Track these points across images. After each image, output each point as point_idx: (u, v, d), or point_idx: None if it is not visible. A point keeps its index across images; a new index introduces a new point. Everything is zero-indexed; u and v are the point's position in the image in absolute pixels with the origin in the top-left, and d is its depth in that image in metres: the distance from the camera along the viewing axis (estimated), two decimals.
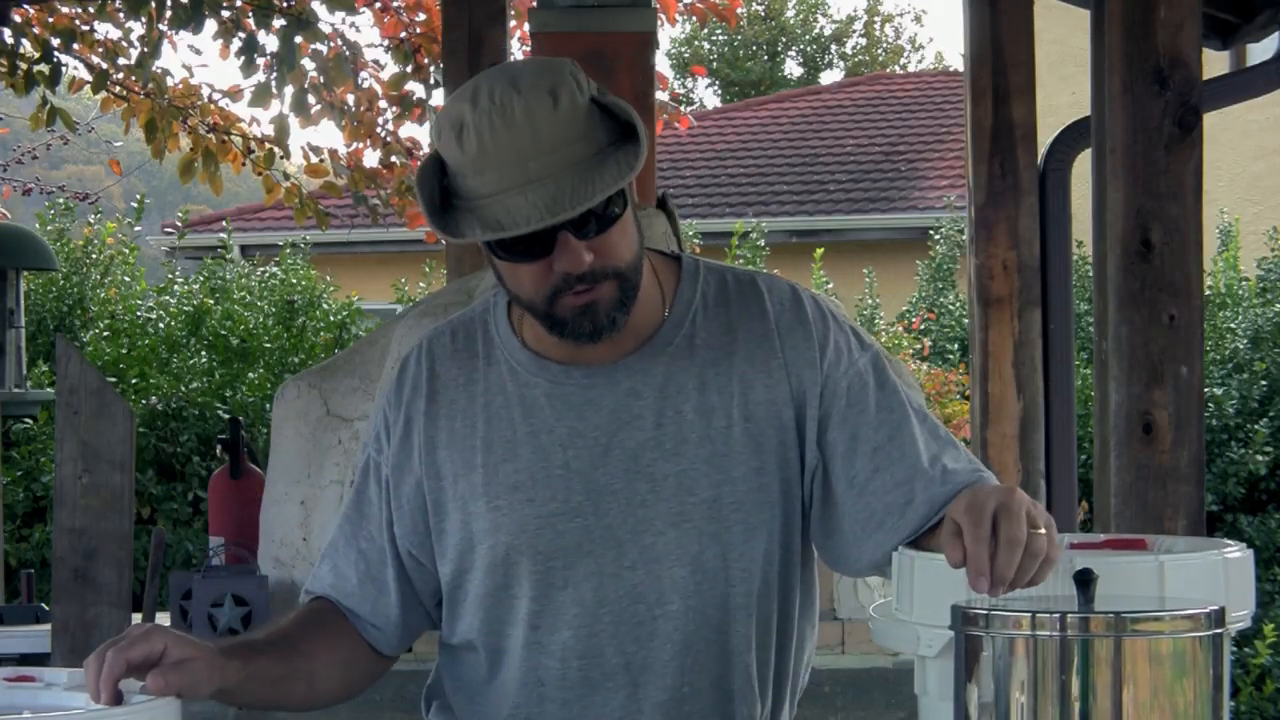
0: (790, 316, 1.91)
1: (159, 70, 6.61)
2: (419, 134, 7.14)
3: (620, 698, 1.87)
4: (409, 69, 6.70)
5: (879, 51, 25.91)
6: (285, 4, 6.27)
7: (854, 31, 26.04)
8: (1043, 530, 1.53)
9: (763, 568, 1.88)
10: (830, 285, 10.08)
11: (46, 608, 4.85)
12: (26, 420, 7.49)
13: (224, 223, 10.32)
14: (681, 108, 9.54)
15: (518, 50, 6.60)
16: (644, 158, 1.74)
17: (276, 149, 6.73)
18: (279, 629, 1.90)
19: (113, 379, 7.50)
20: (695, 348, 1.89)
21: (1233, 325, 8.34)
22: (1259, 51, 7.57)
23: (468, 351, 1.95)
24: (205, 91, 6.94)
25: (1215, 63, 6.53)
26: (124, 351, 7.97)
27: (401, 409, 1.95)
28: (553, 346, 1.89)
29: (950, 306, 10.15)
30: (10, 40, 6.23)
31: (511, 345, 1.93)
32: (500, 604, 1.89)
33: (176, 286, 8.75)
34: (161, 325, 8.23)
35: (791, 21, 25.43)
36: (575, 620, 1.86)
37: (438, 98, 6.54)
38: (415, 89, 6.80)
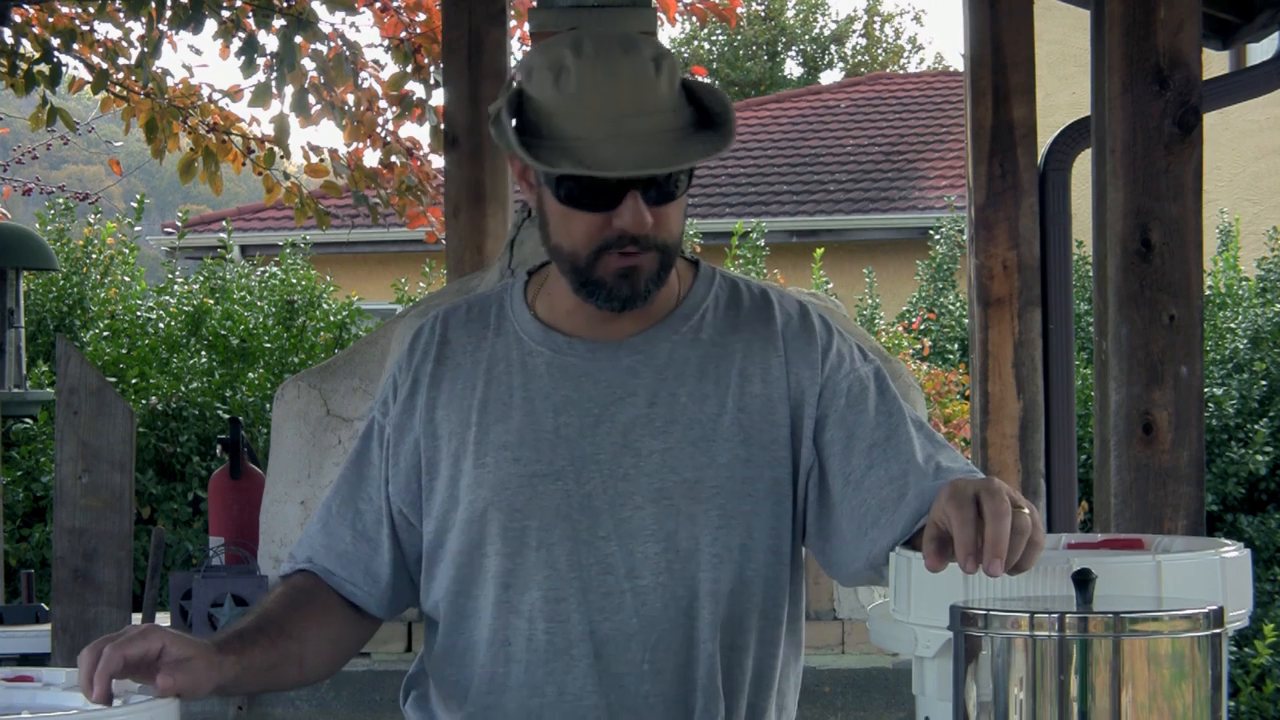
0: (797, 324, 1.96)
1: (159, 70, 6.61)
2: (419, 134, 7.15)
3: (582, 666, 1.88)
4: (409, 69, 6.70)
5: (879, 51, 25.91)
6: (285, 4, 6.27)
7: (854, 31, 26.04)
8: (1026, 510, 1.54)
9: (738, 560, 1.90)
10: (830, 285, 10.07)
11: (46, 608, 4.85)
12: (26, 420, 7.49)
13: (224, 223, 10.31)
14: None
15: (518, 50, 6.60)
16: (731, 142, 1.83)
17: (276, 149, 6.73)
18: (266, 613, 1.92)
19: (113, 379, 7.50)
20: (700, 340, 1.94)
21: (1233, 325, 8.34)
22: (1259, 51, 7.58)
23: (480, 323, 2.00)
24: (205, 91, 6.94)
25: (1215, 63, 6.54)
26: (124, 351, 7.97)
27: (410, 371, 2.00)
28: (563, 319, 1.95)
29: (950, 306, 10.14)
30: (10, 40, 6.23)
31: (523, 317, 1.98)
32: (473, 562, 1.92)
33: (176, 286, 8.75)
34: (161, 325, 8.23)
35: (791, 21, 25.42)
36: (545, 582, 1.89)
37: (438, 98, 6.54)
38: (415, 89, 6.80)
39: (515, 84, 1.86)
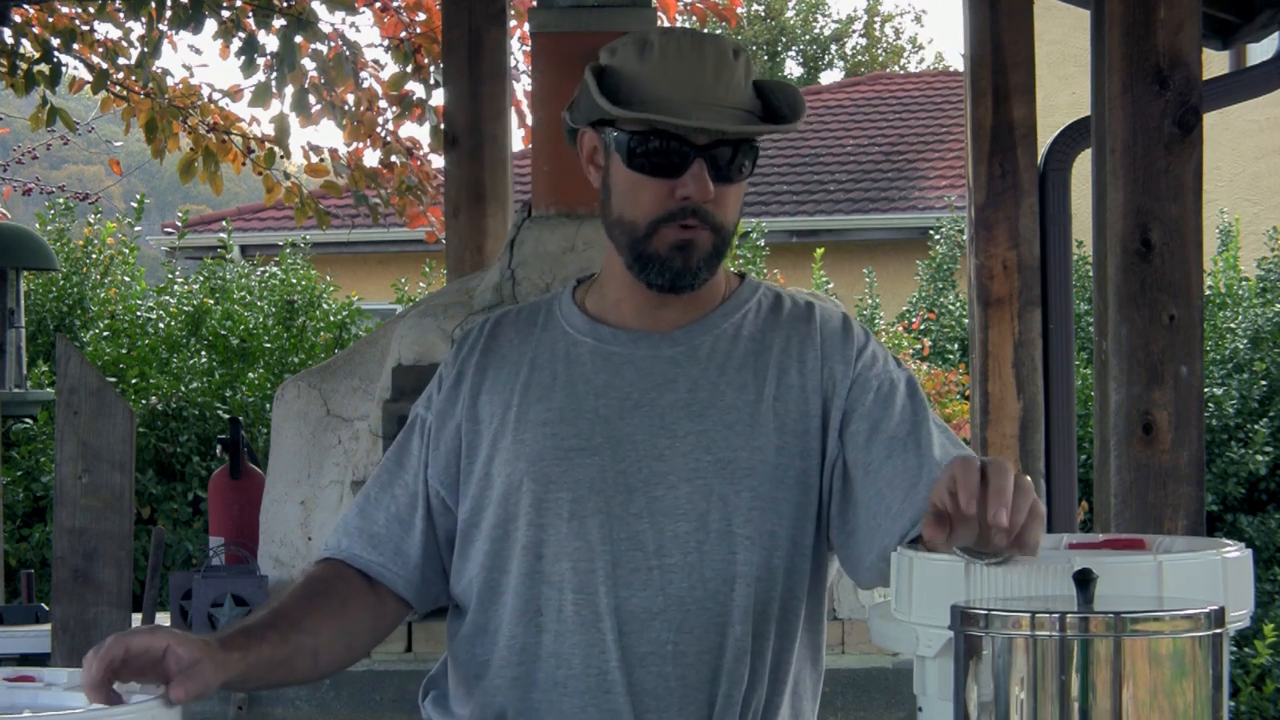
0: (836, 325, 2.02)
1: (159, 70, 6.61)
2: (419, 134, 7.14)
3: (607, 641, 1.90)
4: (409, 69, 6.70)
5: (879, 51, 25.91)
6: (285, 4, 6.27)
7: (854, 31, 26.05)
8: (1028, 478, 1.57)
9: (767, 546, 1.92)
10: (830, 285, 10.07)
11: (46, 608, 4.85)
12: (26, 420, 7.49)
13: (224, 223, 10.31)
14: None
15: (518, 50, 6.60)
16: (797, 124, 1.94)
17: (276, 149, 6.73)
18: (279, 607, 1.93)
19: (113, 379, 7.50)
20: (741, 336, 2.00)
21: (1233, 325, 8.34)
22: (1259, 51, 7.58)
23: (529, 323, 2.07)
24: (205, 91, 6.95)
25: (1215, 63, 6.54)
26: (124, 351, 7.98)
27: (456, 365, 2.06)
28: (610, 309, 2.01)
29: (950, 306, 10.15)
30: (10, 40, 6.23)
31: (570, 313, 2.04)
32: (508, 535, 1.96)
33: (176, 286, 8.76)
34: (161, 325, 8.23)
35: (791, 21, 25.43)
36: (575, 553, 1.92)
37: (438, 98, 6.55)
38: (415, 89, 6.81)
39: (597, 64, 1.96)
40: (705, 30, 1.97)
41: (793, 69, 25.53)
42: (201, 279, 8.86)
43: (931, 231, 11.29)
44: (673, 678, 1.90)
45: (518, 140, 6.54)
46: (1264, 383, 8.14)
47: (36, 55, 6.09)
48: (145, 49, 6.29)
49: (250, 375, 7.85)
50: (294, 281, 8.65)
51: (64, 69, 6.25)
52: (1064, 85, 11.57)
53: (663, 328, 1.99)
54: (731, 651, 1.91)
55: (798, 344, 1.99)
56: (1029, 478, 1.58)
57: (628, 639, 1.90)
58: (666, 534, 1.91)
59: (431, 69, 6.63)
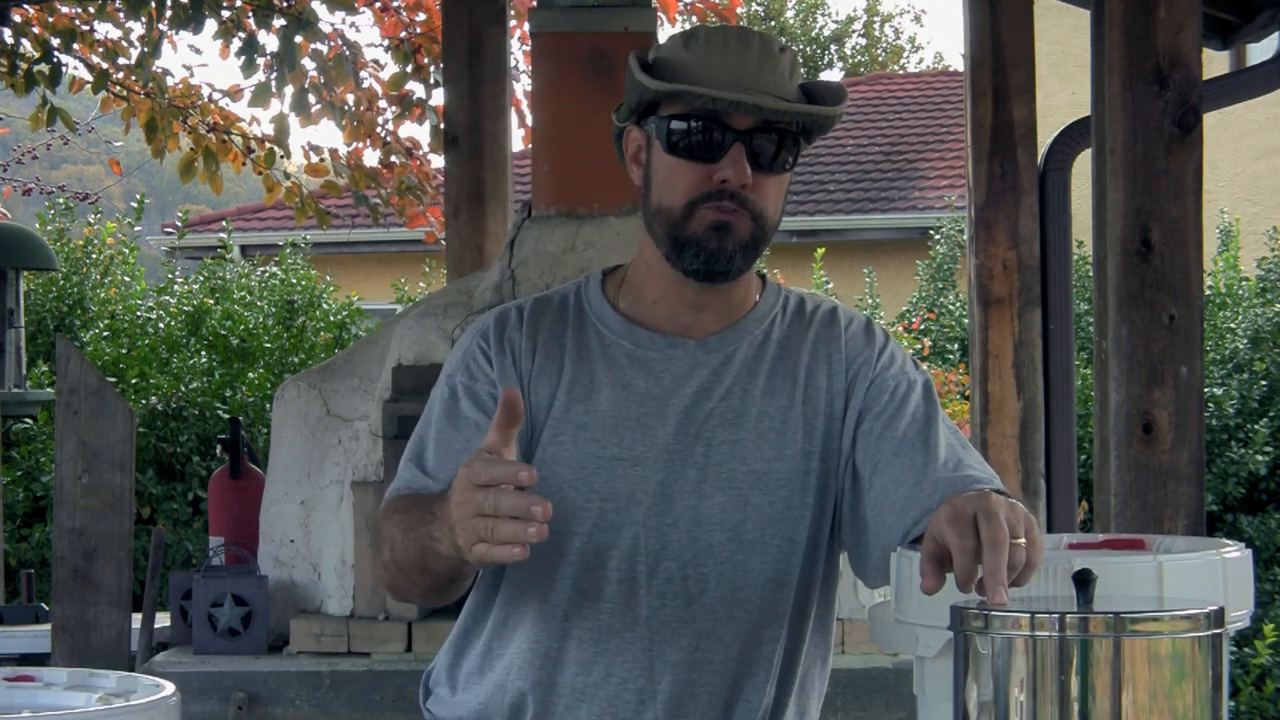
0: (859, 327, 2.05)
1: (159, 70, 6.61)
2: (419, 134, 7.15)
3: (635, 650, 1.92)
4: (409, 69, 6.70)
5: (879, 51, 25.90)
6: (285, 4, 6.27)
7: (854, 31, 26.04)
8: (1021, 540, 1.51)
9: (795, 553, 1.94)
10: (830, 285, 10.07)
11: (46, 608, 4.86)
12: (26, 420, 7.49)
13: (224, 223, 10.31)
14: None
15: (518, 50, 6.60)
16: (837, 113, 1.97)
17: (277, 148, 6.73)
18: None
19: (113, 379, 7.49)
20: (771, 340, 2.02)
21: (1233, 325, 8.33)
22: (1259, 51, 7.58)
23: (559, 316, 2.04)
24: (205, 91, 6.95)
25: (1215, 63, 6.54)
26: (124, 351, 7.97)
27: (503, 342, 1.99)
28: (646, 310, 2.00)
29: (950, 306, 10.14)
30: (10, 40, 6.23)
31: (603, 311, 2.03)
32: (547, 538, 1.91)
33: (176, 286, 8.75)
34: (161, 325, 8.22)
35: (791, 21, 25.42)
36: (610, 563, 1.92)
37: (438, 98, 6.55)
38: (415, 89, 6.81)
39: (642, 53, 1.98)
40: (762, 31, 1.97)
41: None
42: (201, 279, 8.85)
43: (931, 231, 11.28)
44: (699, 684, 1.92)
45: (518, 140, 6.54)
46: (1264, 383, 8.13)
47: (36, 55, 6.09)
48: (145, 49, 6.29)
49: (250, 375, 7.85)
50: (294, 281, 8.64)
51: (64, 69, 6.25)
52: (1064, 85, 11.57)
53: (697, 334, 1.99)
54: (758, 656, 1.93)
55: (824, 348, 2.01)
56: (1022, 542, 1.50)
57: (657, 647, 1.92)
58: (701, 543, 1.92)
59: (431, 69, 6.63)
